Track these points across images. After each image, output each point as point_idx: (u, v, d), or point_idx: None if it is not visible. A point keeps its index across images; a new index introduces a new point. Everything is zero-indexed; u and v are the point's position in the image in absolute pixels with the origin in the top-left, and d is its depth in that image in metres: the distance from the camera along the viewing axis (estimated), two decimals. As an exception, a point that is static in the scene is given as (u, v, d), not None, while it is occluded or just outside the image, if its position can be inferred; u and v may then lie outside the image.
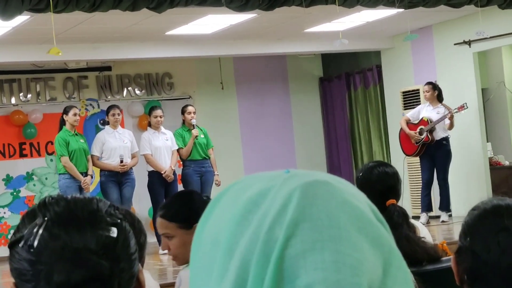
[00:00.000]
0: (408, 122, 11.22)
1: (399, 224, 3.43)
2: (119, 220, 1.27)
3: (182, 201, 3.27)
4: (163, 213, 3.23)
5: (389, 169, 3.68)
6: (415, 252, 3.38)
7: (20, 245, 1.23)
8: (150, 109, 10.87)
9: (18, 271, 1.23)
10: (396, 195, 3.58)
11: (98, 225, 1.24)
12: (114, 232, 1.25)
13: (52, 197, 1.28)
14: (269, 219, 0.89)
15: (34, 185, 11.83)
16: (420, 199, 11.25)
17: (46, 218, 1.23)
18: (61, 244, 1.21)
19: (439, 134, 10.93)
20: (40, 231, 1.22)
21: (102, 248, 1.22)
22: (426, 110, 11.08)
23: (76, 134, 10.15)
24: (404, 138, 11.31)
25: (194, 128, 10.73)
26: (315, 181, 0.92)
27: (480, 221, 1.86)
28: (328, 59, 13.95)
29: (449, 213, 11.23)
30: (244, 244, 0.89)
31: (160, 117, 10.62)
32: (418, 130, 11.03)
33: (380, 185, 3.57)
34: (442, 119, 10.83)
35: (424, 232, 3.65)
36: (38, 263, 1.21)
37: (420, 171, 11.35)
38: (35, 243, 1.21)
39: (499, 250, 1.80)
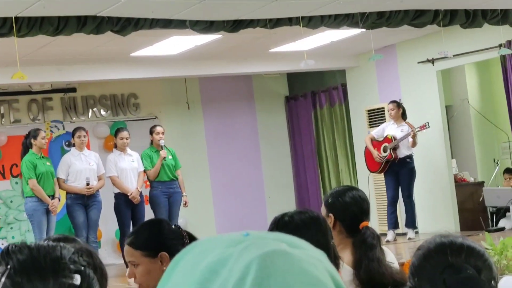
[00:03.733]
0: (373, 140, 11.31)
1: (374, 245, 3.50)
2: (82, 268, 1.27)
3: (150, 229, 3.27)
4: (130, 241, 3.25)
5: (361, 193, 3.75)
6: (382, 275, 3.41)
7: None
8: (116, 130, 10.81)
9: None
10: (368, 217, 3.65)
11: (61, 273, 1.24)
12: (77, 279, 1.25)
13: (15, 245, 1.27)
14: None
15: (-1, 208, 11.71)
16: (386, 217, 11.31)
17: (9, 266, 1.23)
18: None
19: (402, 152, 11.01)
20: (3, 280, 1.22)
21: None
22: (390, 128, 11.18)
23: (42, 157, 10.07)
24: (369, 155, 11.39)
25: (162, 149, 10.67)
26: (272, 251, 0.93)
27: (425, 260, 1.87)
28: (293, 78, 14.01)
29: (416, 230, 11.29)
30: None
31: (127, 138, 10.57)
32: (382, 147, 11.12)
33: (355, 208, 3.62)
34: (405, 137, 10.92)
35: (390, 256, 3.67)
36: None
37: (386, 188, 11.43)
38: None
39: (445, 287, 1.81)
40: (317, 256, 0.96)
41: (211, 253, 0.94)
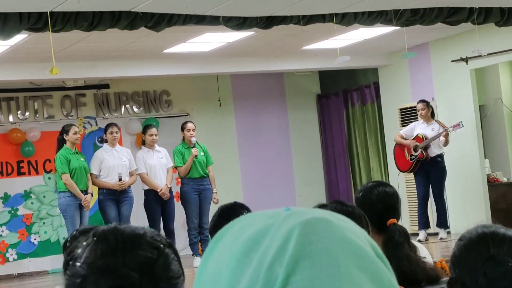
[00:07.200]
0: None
1: (400, 243, 3.44)
2: (162, 245, 1.40)
3: (230, 217, 3.36)
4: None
5: (389, 188, 3.70)
6: (414, 272, 3.36)
7: (70, 262, 1.40)
8: (145, 127, 10.86)
9: (67, 286, 1.40)
10: (396, 214, 3.60)
11: (140, 246, 1.38)
12: (154, 253, 1.38)
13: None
14: (269, 257, 0.89)
15: (32, 203, 11.80)
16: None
17: (94, 238, 1.40)
18: (105, 263, 1.36)
19: (433, 151, 10.94)
20: (88, 249, 1.38)
21: (139, 265, 1.35)
22: (420, 127, 11.11)
23: (76, 153, 10.13)
24: (398, 154, 11.31)
25: (194, 146, 10.66)
26: (314, 218, 0.92)
27: (466, 251, 1.83)
28: (325, 76, 13.97)
29: (448, 230, 11.21)
30: (245, 282, 0.89)
31: (155, 135, 10.60)
32: (413, 147, 11.05)
33: (381, 205, 3.58)
34: (437, 136, 10.84)
35: (424, 252, 3.64)
36: (80, 277, 1.36)
37: (418, 188, 11.34)
38: (82, 259, 1.38)
39: (486, 280, 1.77)
40: (358, 228, 0.96)
41: (253, 226, 0.94)
